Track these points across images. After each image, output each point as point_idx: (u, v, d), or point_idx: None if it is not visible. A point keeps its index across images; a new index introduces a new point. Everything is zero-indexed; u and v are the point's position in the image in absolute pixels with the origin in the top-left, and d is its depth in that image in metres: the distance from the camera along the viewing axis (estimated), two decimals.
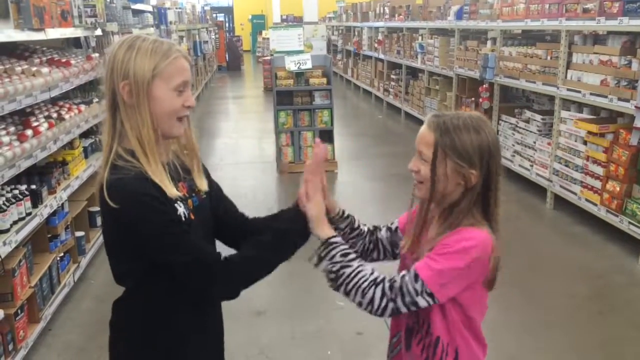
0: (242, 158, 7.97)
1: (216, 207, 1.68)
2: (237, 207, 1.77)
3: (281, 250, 1.57)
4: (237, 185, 6.58)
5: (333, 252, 1.50)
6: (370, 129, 10.32)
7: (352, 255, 1.51)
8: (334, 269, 1.50)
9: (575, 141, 5.19)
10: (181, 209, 1.47)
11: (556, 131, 5.47)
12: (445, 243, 1.43)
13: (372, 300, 1.45)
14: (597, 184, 4.84)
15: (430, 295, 1.41)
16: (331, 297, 3.93)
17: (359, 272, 1.48)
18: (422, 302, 1.42)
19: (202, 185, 1.60)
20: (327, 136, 7.14)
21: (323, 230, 1.55)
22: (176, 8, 11.19)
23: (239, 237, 1.67)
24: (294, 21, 20.89)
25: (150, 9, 8.03)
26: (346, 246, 1.53)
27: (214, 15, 23.90)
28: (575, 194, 5.18)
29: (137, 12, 7.21)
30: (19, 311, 3.03)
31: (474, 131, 1.45)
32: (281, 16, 23.27)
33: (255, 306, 3.78)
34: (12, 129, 3.28)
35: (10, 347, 2.91)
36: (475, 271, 1.43)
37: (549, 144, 5.61)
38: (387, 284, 1.45)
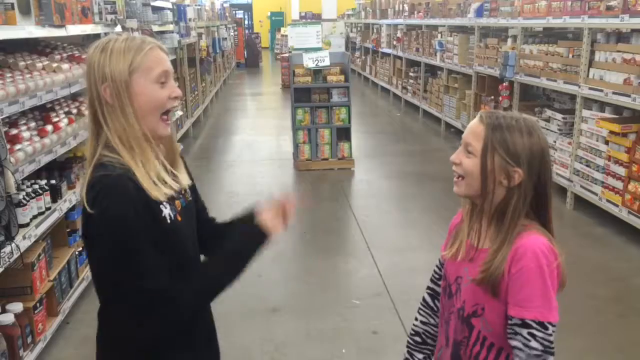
0: (260, 155, 7.99)
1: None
2: (207, 209, 1.75)
3: (233, 272, 1.57)
4: (254, 182, 6.60)
5: None
6: (388, 126, 10.27)
7: None
8: None
9: (597, 141, 5.11)
10: (166, 211, 1.44)
11: (577, 130, 5.39)
12: (521, 270, 1.41)
13: None
14: (619, 184, 4.75)
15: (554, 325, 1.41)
16: (347, 295, 3.92)
17: None
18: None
19: (184, 183, 1.57)
20: (344, 134, 7.12)
21: None
22: (196, 5, 11.22)
23: (206, 240, 1.67)
24: (312, 18, 20.89)
25: (169, 5, 8.06)
26: None
27: (233, 12, 23.97)
28: (596, 194, 5.10)
29: (156, 9, 7.25)
30: (38, 304, 3.06)
31: (527, 133, 1.45)
32: (300, 13, 23.30)
33: (271, 303, 3.78)
34: (32, 124, 3.33)
35: (29, 339, 2.95)
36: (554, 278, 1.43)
37: (569, 143, 5.53)
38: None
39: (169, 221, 1.44)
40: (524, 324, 1.39)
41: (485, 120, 1.47)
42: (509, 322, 1.42)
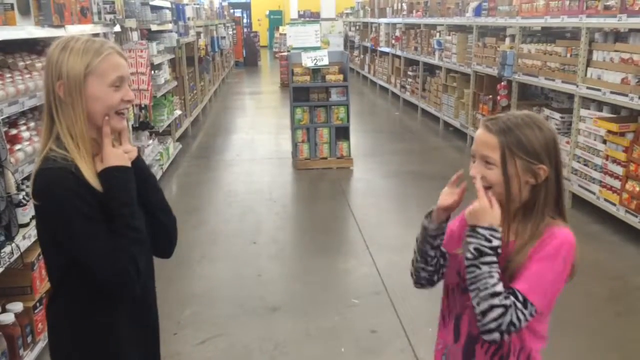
0: (258, 154, 8.00)
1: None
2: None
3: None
4: (253, 181, 6.61)
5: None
6: (387, 125, 10.28)
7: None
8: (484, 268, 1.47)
9: (595, 140, 5.13)
10: None
11: (575, 130, 5.41)
12: (544, 252, 1.44)
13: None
14: (617, 183, 4.77)
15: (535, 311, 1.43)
16: (346, 294, 3.94)
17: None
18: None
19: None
20: (343, 133, 7.14)
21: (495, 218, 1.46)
22: (194, 4, 11.22)
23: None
24: (311, 17, 20.89)
25: (168, 5, 8.06)
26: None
27: (232, 11, 23.97)
28: (593, 193, 5.12)
29: (155, 8, 7.25)
30: (38, 304, 3.07)
31: (537, 128, 1.46)
32: (298, 12, 23.28)
33: (270, 302, 3.80)
34: (32, 124, 3.33)
35: (29, 339, 2.96)
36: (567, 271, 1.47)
37: (567, 142, 5.54)
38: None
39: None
40: (512, 292, 1.42)
41: (493, 128, 1.47)
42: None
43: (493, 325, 1.40)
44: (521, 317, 1.40)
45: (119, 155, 1.53)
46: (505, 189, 1.47)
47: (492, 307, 1.40)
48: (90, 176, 1.48)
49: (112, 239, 1.45)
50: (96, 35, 5.08)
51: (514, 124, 1.45)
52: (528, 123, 1.46)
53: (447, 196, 1.60)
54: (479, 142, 1.50)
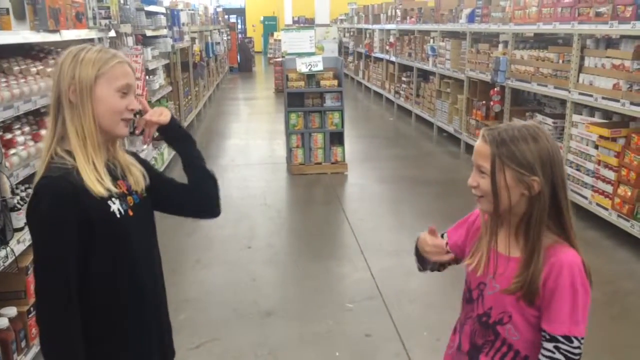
0: (253, 159, 8.00)
1: (161, 192, 1.77)
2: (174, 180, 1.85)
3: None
4: (248, 186, 6.61)
5: None
6: (381, 131, 10.32)
7: None
8: None
9: (587, 145, 5.17)
10: (115, 206, 1.56)
11: (567, 135, 5.45)
12: (556, 287, 1.45)
13: None
14: (609, 188, 4.81)
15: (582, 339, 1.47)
16: (340, 298, 3.94)
17: None
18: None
19: (137, 186, 1.67)
20: (337, 138, 7.16)
21: None
22: (189, 10, 11.24)
23: (185, 204, 1.83)
24: (305, 23, 20.96)
25: (163, 10, 8.07)
26: None
27: (226, 16, 23.99)
28: (586, 198, 5.15)
29: (150, 14, 7.26)
30: (32, 309, 3.06)
31: (532, 139, 1.44)
32: (293, 18, 23.34)
33: (264, 307, 3.80)
34: (26, 128, 3.33)
35: (23, 344, 2.95)
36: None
37: (560, 147, 5.58)
38: None
39: (118, 216, 1.55)
40: (552, 338, 1.46)
41: (488, 138, 1.48)
42: (542, 332, 1.49)
43: None
44: (570, 353, 1.46)
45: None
46: (493, 198, 1.47)
47: None
48: (90, 179, 1.51)
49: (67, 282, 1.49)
50: (91, 40, 5.09)
51: (509, 136, 1.45)
52: (524, 135, 1.44)
53: (436, 254, 1.63)
54: (476, 152, 1.52)
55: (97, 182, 1.53)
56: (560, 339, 1.45)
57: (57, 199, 1.47)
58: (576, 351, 1.46)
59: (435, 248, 1.62)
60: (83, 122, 1.54)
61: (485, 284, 1.57)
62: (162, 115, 1.73)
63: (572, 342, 1.45)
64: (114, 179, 1.60)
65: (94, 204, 1.51)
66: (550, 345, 1.46)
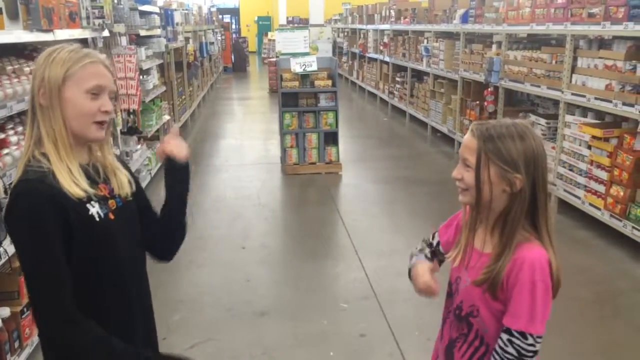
0: (247, 159, 8.00)
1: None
2: (153, 208, 1.82)
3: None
4: (242, 186, 6.61)
5: None
6: (375, 131, 10.33)
7: None
8: None
9: (580, 145, 5.20)
10: (94, 209, 1.52)
11: (560, 135, 5.48)
12: (516, 282, 1.46)
13: None
14: (601, 188, 4.84)
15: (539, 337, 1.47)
16: (334, 298, 3.95)
17: None
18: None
19: (121, 190, 1.64)
20: (332, 138, 7.16)
21: None
22: (183, 9, 11.21)
23: (156, 242, 1.78)
24: (300, 23, 20.93)
25: (157, 10, 8.05)
26: None
27: (220, 16, 23.96)
28: (579, 198, 5.18)
29: (144, 14, 7.24)
30: (25, 309, 3.05)
31: (519, 138, 1.46)
32: (287, 18, 23.31)
33: (259, 307, 3.80)
34: (20, 128, 3.32)
35: (17, 344, 2.94)
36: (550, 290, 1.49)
37: (553, 148, 5.61)
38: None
39: (97, 219, 1.52)
40: (507, 330, 1.48)
41: (476, 132, 1.49)
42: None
43: None
44: (523, 349, 1.46)
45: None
46: (476, 192, 1.49)
47: None
48: (66, 181, 1.49)
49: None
50: (84, 40, 5.08)
51: (497, 132, 1.47)
52: (512, 133, 1.46)
53: (424, 291, 1.66)
54: (463, 145, 1.54)
55: (72, 183, 1.50)
56: (515, 333, 1.46)
57: (36, 199, 1.44)
58: (530, 348, 1.46)
59: (426, 288, 1.64)
60: (53, 125, 1.50)
61: (461, 278, 1.61)
62: (181, 151, 1.75)
63: (526, 338, 1.45)
64: (94, 182, 1.56)
65: (71, 206, 1.47)
66: (505, 337, 1.48)
